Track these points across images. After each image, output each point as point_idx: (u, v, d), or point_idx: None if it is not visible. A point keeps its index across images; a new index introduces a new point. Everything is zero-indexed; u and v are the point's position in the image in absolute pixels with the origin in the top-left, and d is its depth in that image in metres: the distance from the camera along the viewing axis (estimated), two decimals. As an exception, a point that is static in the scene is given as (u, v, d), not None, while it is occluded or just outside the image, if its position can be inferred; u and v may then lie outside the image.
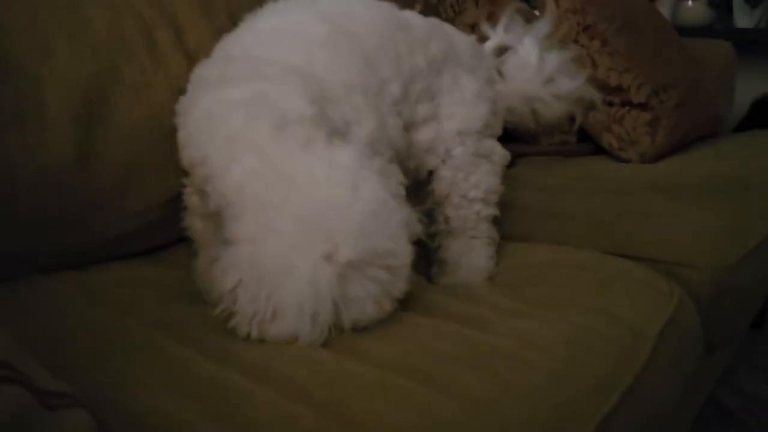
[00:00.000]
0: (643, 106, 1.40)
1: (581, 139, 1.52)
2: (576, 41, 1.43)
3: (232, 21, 1.00)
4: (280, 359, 0.53)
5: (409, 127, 0.81)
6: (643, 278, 0.82)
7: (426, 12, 1.51)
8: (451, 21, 1.53)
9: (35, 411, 0.32)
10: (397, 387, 0.52)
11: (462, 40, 0.93)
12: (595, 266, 0.85)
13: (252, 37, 0.75)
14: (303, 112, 0.63)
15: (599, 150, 1.47)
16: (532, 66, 0.94)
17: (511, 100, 0.96)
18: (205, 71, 0.74)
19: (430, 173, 0.87)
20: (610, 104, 1.43)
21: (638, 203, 1.05)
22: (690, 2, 2.15)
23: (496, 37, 0.99)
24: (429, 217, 0.86)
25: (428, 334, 0.61)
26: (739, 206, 1.07)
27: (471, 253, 0.86)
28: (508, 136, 1.10)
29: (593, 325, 0.68)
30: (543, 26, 0.97)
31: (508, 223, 1.01)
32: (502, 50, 0.99)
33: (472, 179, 0.86)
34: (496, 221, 0.90)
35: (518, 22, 1.00)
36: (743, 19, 2.00)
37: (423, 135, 0.83)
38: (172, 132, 0.82)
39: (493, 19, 1.54)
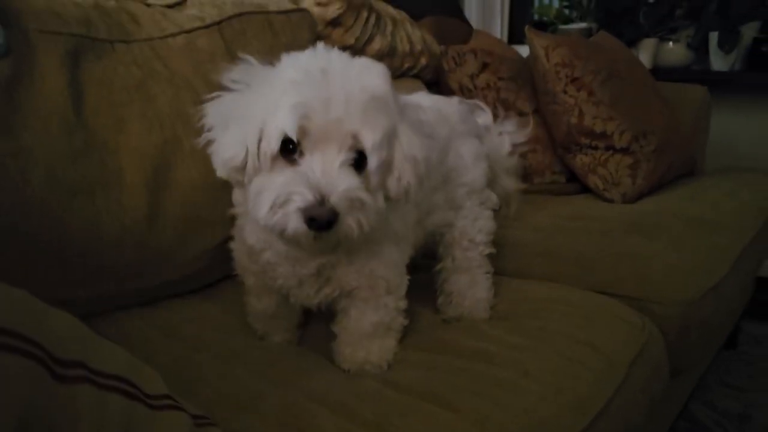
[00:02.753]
0: (624, 151, 1.56)
1: (569, 180, 1.69)
2: (565, 92, 1.60)
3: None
4: (335, 387, 0.69)
5: (424, 216, 0.92)
6: (620, 314, 0.98)
7: (430, 63, 1.68)
8: (452, 72, 1.70)
9: None
10: (424, 409, 0.68)
11: (451, 110, 1.00)
12: (581, 303, 1.00)
13: None
14: None
15: (585, 189, 1.64)
16: (503, 155, 1.12)
17: None
18: None
19: None
20: (596, 149, 1.59)
21: (619, 244, 1.20)
22: (671, 44, 2.33)
23: (484, 118, 1.15)
24: (436, 256, 1.02)
25: (445, 369, 0.77)
26: (705, 245, 1.23)
27: (475, 287, 0.99)
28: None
29: (577, 356, 0.84)
30: (510, 126, 1.16)
31: (506, 259, 1.17)
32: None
33: (477, 225, 0.99)
34: (491, 256, 1.03)
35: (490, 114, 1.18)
36: (719, 62, 2.18)
37: (437, 218, 0.95)
38: (220, 189, 0.98)
39: (487, 68, 1.72)
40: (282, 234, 0.64)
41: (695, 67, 2.33)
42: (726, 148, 2.20)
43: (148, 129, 0.95)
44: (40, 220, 0.82)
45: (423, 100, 0.98)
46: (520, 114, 1.73)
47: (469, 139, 1.01)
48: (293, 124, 0.63)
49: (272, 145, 0.65)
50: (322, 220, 0.61)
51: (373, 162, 0.65)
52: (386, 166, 0.69)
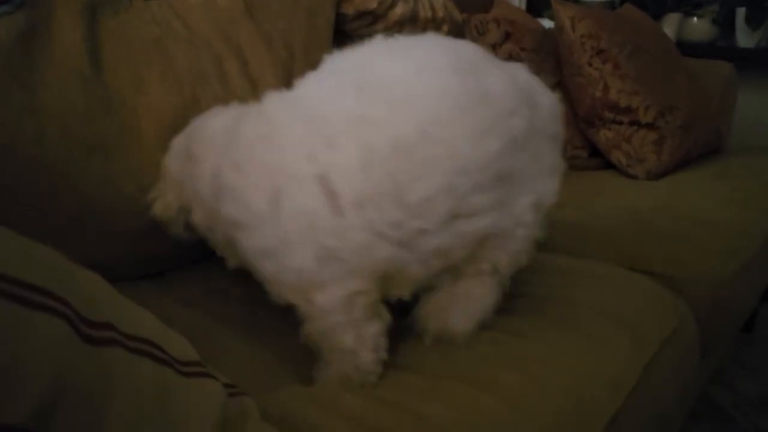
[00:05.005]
0: (650, 126, 1.52)
1: (591, 155, 1.65)
2: (590, 64, 1.55)
3: (289, 51, 1.13)
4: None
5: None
6: (651, 291, 0.95)
7: (452, 31, 1.63)
8: (475, 41, 1.64)
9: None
10: (449, 390, 0.65)
11: (546, 100, 0.74)
12: (611, 279, 0.96)
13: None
14: None
15: (608, 165, 1.60)
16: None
17: None
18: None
19: None
20: (620, 123, 1.55)
21: (644, 221, 1.17)
22: (695, 20, 2.27)
23: None
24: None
25: (473, 344, 0.73)
26: (734, 226, 1.20)
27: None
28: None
29: (609, 333, 0.81)
30: None
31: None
32: None
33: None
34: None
35: None
36: (745, 38, 2.12)
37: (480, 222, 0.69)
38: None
39: (510, 38, 1.68)
40: None
41: (720, 44, 2.27)
42: (752, 127, 2.15)
43: (167, 89, 0.91)
44: (56, 179, 0.80)
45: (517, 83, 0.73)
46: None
47: (554, 146, 0.77)
48: None
49: None
50: None
51: None
52: None
